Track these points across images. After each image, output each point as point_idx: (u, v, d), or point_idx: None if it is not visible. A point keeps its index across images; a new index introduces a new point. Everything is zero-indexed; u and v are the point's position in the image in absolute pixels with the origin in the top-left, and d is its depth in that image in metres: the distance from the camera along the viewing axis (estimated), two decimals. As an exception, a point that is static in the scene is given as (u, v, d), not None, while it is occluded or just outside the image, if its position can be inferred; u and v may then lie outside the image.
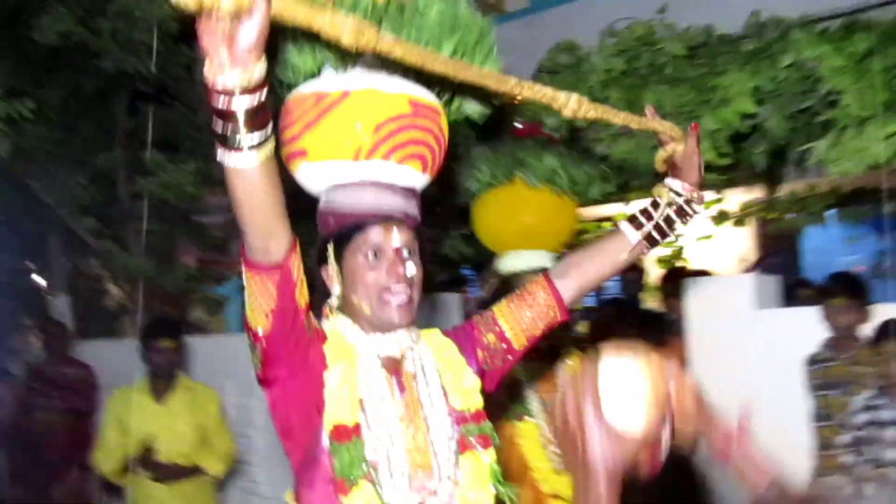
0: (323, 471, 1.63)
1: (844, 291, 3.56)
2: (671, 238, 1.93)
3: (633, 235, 1.83)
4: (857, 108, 3.00)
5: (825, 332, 3.62)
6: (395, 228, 1.70)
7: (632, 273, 6.35)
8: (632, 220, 1.86)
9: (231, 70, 1.21)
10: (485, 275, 6.54)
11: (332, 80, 1.79)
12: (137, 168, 6.29)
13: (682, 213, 1.85)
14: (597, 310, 5.48)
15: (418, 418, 1.71)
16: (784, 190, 5.68)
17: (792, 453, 3.56)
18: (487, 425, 1.77)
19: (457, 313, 5.11)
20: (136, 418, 4.09)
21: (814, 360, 3.61)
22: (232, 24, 1.17)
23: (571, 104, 1.62)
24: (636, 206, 5.91)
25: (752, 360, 3.85)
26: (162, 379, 4.09)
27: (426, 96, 1.82)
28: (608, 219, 6.77)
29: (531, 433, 2.91)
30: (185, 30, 6.67)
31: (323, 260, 1.76)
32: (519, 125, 3.85)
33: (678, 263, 6.70)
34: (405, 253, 1.71)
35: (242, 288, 1.56)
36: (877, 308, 3.59)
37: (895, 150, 2.97)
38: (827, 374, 3.55)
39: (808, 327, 3.68)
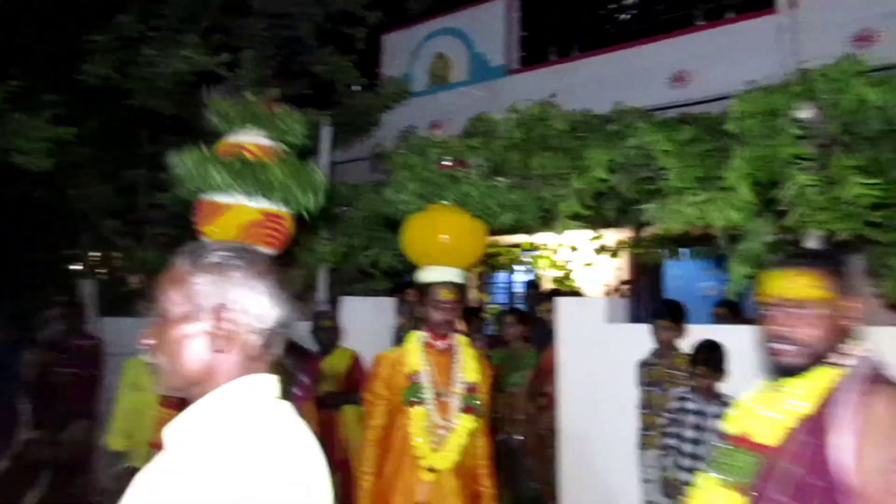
0: None
1: (667, 314, 3.60)
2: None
3: None
4: (678, 181, 3.02)
5: (653, 344, 3.64)
6: None
7: (532, 290, 6.47)
8: None
9: None
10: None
11: (223, 196, 2.56)
12: (156, 184, 6.31)
13: None
14: (500, 316, 5.56)
15: None
16: (648, 231, 5.82)
17: (626, 432, 3.71)
18: None
19: (392, 314, 5.12)
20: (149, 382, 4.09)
21: (643, 364, 3.63)
22: None
23: None
24: (539, 237, 6.00)
25: (603, 361, 3.84)
26: None
27: (275, 207, 2.61)
28: (517, 245, 6.88)
29: (419, 417, 2.71)
30: (200, 80, 6.73)
31: None
32: (447, 162, 3.61)
33: (568, 284, 6.86)
34: None
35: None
36: (691, 327, 3.62)
37: (702, 213, 3.08)
38: (651, 375, 3.58)
39: (642, 339, 3.66)
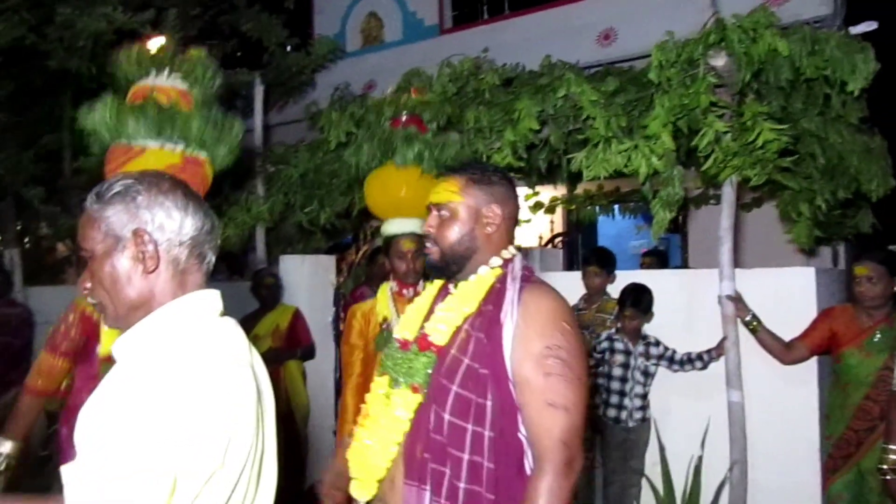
0: None
1: (595, 261, 3.77)
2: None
3: None
4: (604, 130, 3.12)
5: (584, 290, 3.80)
6: None
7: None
8: None
9: None
10: (359, 241, 6.65)
11: (137, 140, 2.44)
12: (79, 149, 6.09)
13: None
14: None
15: None
16: (580, 188, 5.98)
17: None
18: None
19: (331, 272, 5.18)
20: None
21: (573, 309, 3.85)
22: None
23: None
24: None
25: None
26: None
27: (195, 153, 2.50)
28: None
29: None
30: (121, 39, 6.49)
31: None
32: (402, 117, 3.71)
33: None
34: None
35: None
36: (619, 274, 3.81)
37: (627, 160, 3.23)
38: (581, 319, 3.73)
39: (575, 285, 3.82)
